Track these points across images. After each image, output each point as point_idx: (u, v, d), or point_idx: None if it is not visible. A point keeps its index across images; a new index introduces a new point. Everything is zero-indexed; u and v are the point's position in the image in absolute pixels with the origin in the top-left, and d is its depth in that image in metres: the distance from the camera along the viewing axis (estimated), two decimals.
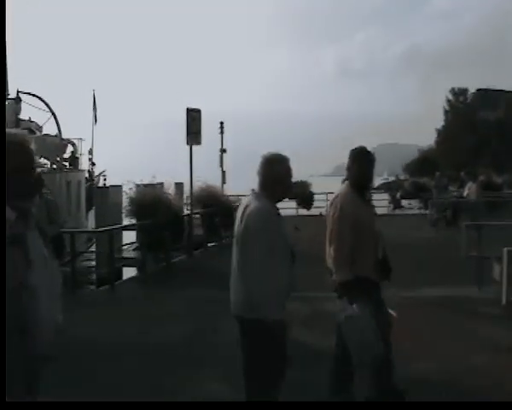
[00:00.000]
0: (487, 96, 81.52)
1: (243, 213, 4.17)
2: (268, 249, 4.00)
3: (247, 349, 4.28)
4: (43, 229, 2.89)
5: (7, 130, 2.81)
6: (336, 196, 5.20)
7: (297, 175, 33.85)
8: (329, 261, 5.13)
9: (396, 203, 37.02)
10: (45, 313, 2.66)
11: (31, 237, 2.72)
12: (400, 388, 5.22)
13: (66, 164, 25.56)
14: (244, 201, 4.34)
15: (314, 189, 34.57)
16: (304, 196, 33.08)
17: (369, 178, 5.26)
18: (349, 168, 5.23)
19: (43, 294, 2.64)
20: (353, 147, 5.30)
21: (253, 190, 4.31)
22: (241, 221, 4.15)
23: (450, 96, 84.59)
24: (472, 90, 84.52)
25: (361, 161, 5.18)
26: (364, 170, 5.17)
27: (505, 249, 9.81)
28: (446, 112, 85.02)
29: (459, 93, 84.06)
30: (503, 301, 9.51)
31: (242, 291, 4.16)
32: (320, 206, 31.48)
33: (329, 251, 5.10)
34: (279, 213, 4.31)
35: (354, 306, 4.75)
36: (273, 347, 4.08)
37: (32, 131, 24.65)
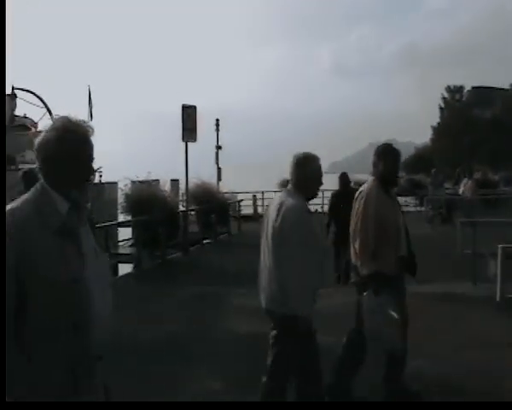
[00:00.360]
0: (483, 93, 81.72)
1: (278, 210, 4.29)
2: (302, 246, 4.10)
3: (277, 343, 4.39)
4: (93, 221, 2.72)
5: (67, 116, 2.56)
6: (362, 192, 5.24)
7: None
8: (353, 256, 5.18)
9: None
10: (99, 310, 2.51)
11: (83, 230, 2.57)
12: (413, 388, 5.34)
13: None
14: (277, 198, 4.51)
15: None
16: None
17: (395, 175, 5.33)
18: (375, 165, 5.28)
19: (96, 290, 2.50)
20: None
21: (286, 188, 4.50)
22: (277, 218, 4.27)
23: (446, 94, 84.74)
24: (468, 87, 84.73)
25: (387, 158, 5.24)
26: (390, 166, 5.23)
27: (500, 246, 9.83)
28: (442, 109, 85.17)
29: (455, 91, 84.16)
30: (498, 297, 9.53)
31: (275, 286, 4.25)
32: (315, 203, 31.45)
33: (353, 246, 5.15)
34: (310, 211, 4.48)
35: (379, 299, 4.78)
36: (302, 342, 4.16)
37: (27, 128, 24.61)
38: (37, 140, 2.51)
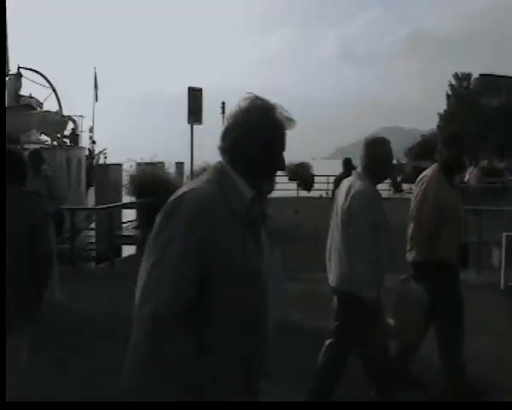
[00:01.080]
0: (490, 81, 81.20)
1: (347, 192, 4.29)
2: (371, 228, 4.11)
3: (342, 321, 4.44)
4: (266, 213, 2.44)
5: (263, 98, 2.31)
6: (423, 178, 5.20)
7: (298, 157, 33.77)
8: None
9: (397, 187, 36.97)
10: (272, 309, 2.34)
11: (261, 222, 2.37)
12: (418, 378, 5.38)
13: (67, 141, 25.50)
14: (346, 181, 4.49)
15: (315, 171, 34.55)
16: (305, 177, 33.07)
17: (461, 164, 5.27)
18: (439, 152, 5.21)
19: (271, 286, 2.31)
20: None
21: (356, 170, 4.49)
22: (346, 200, 4.27)
23: (453, 81, 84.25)
24: (475, 75, 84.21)
25: (452, 146, 5.17)
26: (455, 155, 5.15)
27: (504, 234, 9.83)
28: (449, 96, 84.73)
29: (462, 78, 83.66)
30: (502, 285, 9.53)
31: (343, 265, 4.29)
32: (320, 188, 31.51)
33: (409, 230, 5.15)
34: (379, 194, 4.45)
35: (416, 287, 4.78)
36: (367, 322, 4.14)
37: (32, 107, 24.59)
38: (230, 120, 2.30)
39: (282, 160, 2.35)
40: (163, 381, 2.05)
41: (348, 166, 11.77)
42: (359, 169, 4.43)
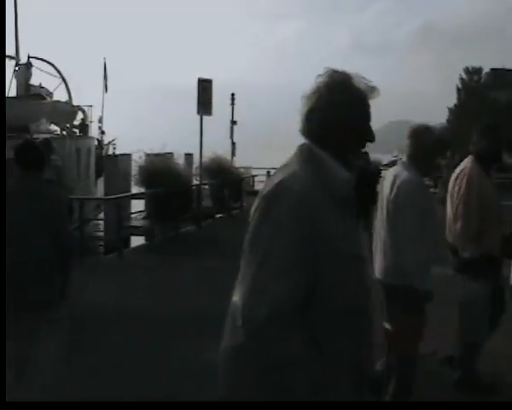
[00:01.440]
0: (501, 75, 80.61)
1: (393, 182, 4.20)
2: (418, 219, 4.02)
3: (392, 316, 4.30)
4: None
5: (342, 70, 2.19)
6: (462, 172, 5.09)
7: None
8: (452, 238, 5.10)
9: None
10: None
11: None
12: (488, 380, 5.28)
13: (76, 131, 25.56)
14: (392, 171, 4.37)
15: None
16: None
17: (498, 154, 5.20)
18: (476, 143, 5.12)
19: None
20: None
21: (401, 160, 4.38)
22: (391, 191, 4.17)
23: (464, 75, 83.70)
24: (486, 69, 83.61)
25: (489, 137, 5.09)
26: (492, 145, 5.08)
27: None
28: (459, 90, 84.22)
29: (473, 72, 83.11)
30: (510, 281, 9.46)
31: (392, 258, 4.19)
32: None
33: (453, 228, 5.06)
34: (426, 184, 4.35)
35: (476, 285, 4.74)
36: (420, 316, 4.12)
37: (42, 97, 24.63)
38: (312, 100, 2.17)
39: (371, 130, 2.24)
40: (281, 383, 1.97)
41: (365, 160, 11.71)
42: (404, 159, 4.31)
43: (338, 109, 2.13)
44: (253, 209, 2.10)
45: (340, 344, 2.05)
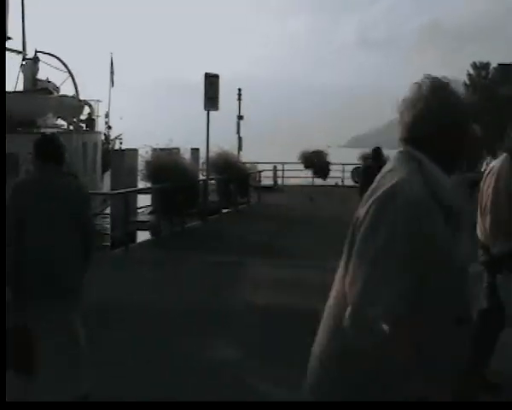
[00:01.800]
0: (509, 70, 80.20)
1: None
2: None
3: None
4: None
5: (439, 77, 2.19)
6: (493, 168, 5.05)
7: (314, 145, 33.63)
8: (483, 235, 5.04)
9: None
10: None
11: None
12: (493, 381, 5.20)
13: (83, 125, 25.57)
14: None
15: (330, 159, 34.43)
16: (320, 165, 32.94)
17: None
18: (508, 139, 5.09)
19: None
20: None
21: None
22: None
23: (471, 71, 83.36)
24: (494, 64, 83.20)
25: None
26: None
27: None
28: (467, 86, 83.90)
29: (481, 67, 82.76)
30: None
31: None
32: (336, 176, 31.41)
33: (484, 224, 5.00)
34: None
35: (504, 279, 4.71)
36: None
37: (49, 92, 24.65)
38: (416, 109, 2.15)
39: (471, 136, 2.26)
40: (391, 384, 2.01)
41: (378, 155, 11.66)
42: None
43: (444, 116, 2.13)
44: (361, 213, 2.08)
45: (445, 351, 2.05)
